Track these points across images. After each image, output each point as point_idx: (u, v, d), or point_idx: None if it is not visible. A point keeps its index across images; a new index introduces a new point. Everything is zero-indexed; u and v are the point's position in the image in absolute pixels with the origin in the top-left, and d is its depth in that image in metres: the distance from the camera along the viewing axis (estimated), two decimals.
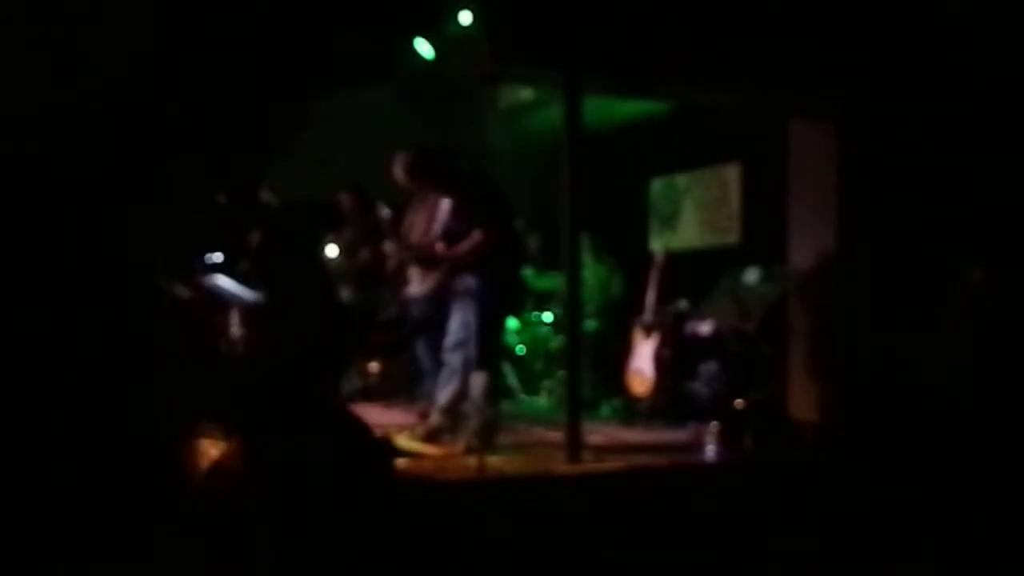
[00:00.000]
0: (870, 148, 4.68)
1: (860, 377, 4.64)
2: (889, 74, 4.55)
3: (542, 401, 5.79)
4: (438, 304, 4.29)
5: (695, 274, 5.44)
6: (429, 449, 3.99)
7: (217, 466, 2.62)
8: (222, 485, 2.30)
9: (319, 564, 1.50)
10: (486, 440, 3.89)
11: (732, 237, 5.86)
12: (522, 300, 5.54)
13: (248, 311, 4.41)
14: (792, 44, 4.42)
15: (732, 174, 5.90)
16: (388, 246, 4.60)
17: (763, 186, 5.42)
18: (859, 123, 4.67)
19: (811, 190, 4.86)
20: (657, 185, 6.52)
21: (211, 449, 3.59)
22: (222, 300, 4.50)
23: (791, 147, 4.97)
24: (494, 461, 3.77)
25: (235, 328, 4.59)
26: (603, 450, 4.18)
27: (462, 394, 4.07)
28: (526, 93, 6.71)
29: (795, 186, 4.96)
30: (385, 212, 4.64)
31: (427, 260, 4.39)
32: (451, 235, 4.20)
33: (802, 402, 4.79)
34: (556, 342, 5.76)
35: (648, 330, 5.15)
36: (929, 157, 4.61)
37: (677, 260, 5.45)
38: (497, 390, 4.27)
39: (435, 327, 4.29)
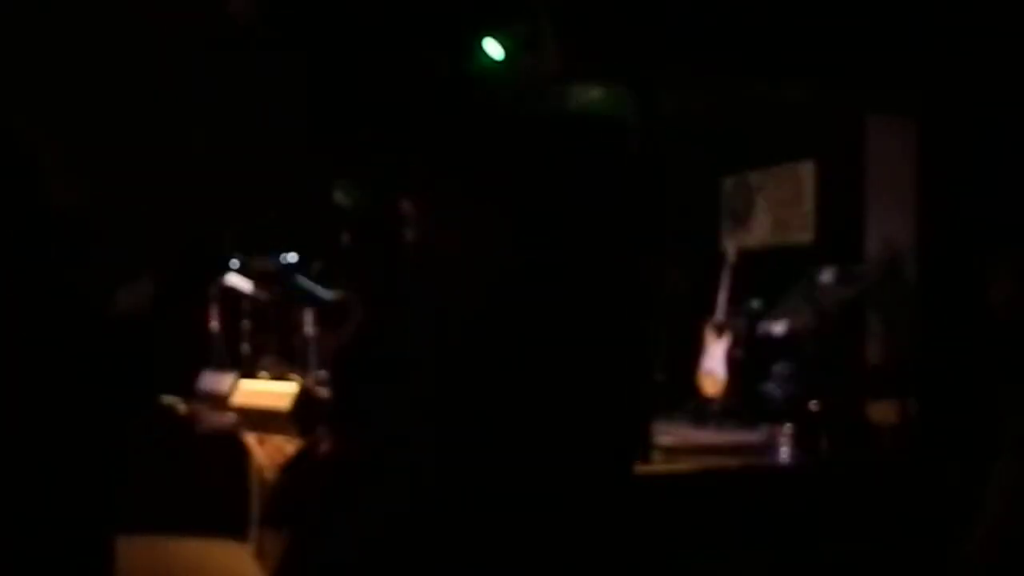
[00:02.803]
0: (953, 144, 4.55)
1: (939, 379, 4.52)
2: (973, 65, 4.42)
3: None
4: None
5: (768, 273, 5.36)
6: None
7: (294, 462, 2.66)
8: (299, 482, 2.33)
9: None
10: None
11: (806, 236, 5.75)
12: None
13: (325, 311, 4.48)
14: (869, 35, 4.32)
15: (806, 171, 5.79)
16: None
17: (839, 184, 5.31)
18: (941, 118, 4.55)
19: (889, 188, 4.74)
20: (729, 183, 6.43)
21: (286, 446, 3.66)
22: (297, 300, 4.58)
23: (869, 143, 4.87)
24: None
25: (309, 328, 4.67)
26: (674, 451, 4.14)
27: None
28: (595, 91, 6.68)
29: (873, 184, 4.85)
30: None
31: None
32: None
33: (880, 405, 4.68)
34: None
35: (720, 330, 5.08)
36: (1016, 153, 4.47)
37: (749, 259, 5.38)
38: None
39: None
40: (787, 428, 4.26)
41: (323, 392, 3.94)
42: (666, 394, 5.29)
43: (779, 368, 4.89)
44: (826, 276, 4.98)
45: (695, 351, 5.20)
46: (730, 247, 5.37)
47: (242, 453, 4.26)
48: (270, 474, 3.57)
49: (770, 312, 5.12)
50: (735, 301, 5.17)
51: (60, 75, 4.62)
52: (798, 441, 4.21)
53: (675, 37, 4.02)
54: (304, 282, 4.49)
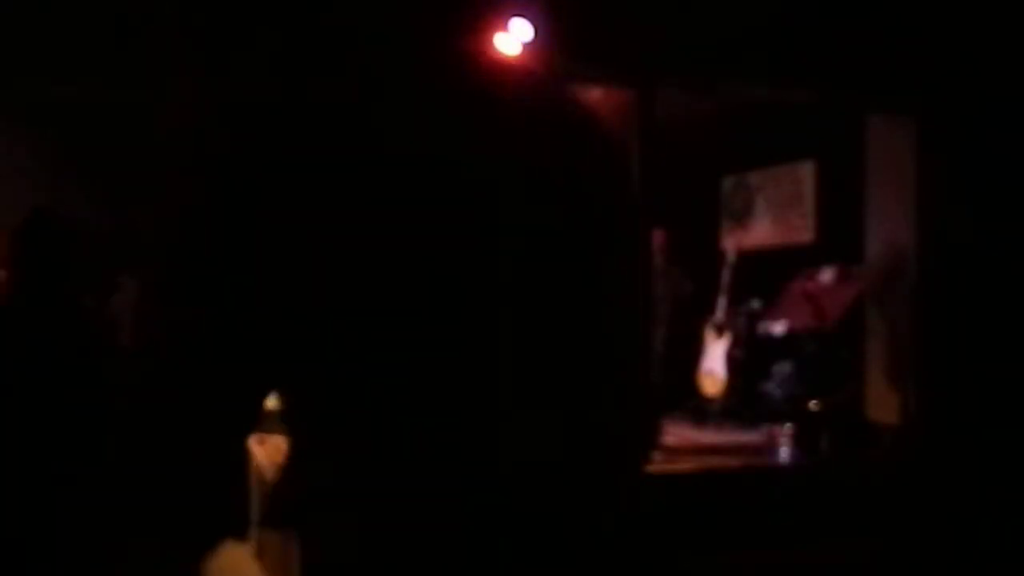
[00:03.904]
0: (953, 144, 4.55)
1: (940, 379, 4.52)
2: (973, 65, 4.42)
3: None
4: None
5: (768, 273, 5.36)
6: None
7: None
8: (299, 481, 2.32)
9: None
10: None
11: (806, 236, 5.75)
12: None
13: None
14: (869, 36, 4.32)
15: (806, 171, 5.79)
16: None
17: (838, 184, 5.30)
18: (942, 118, 4.54)
19: (889, 188, 4.74)
20: (728, 183, 6.43)
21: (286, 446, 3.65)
22: None
23: (868, 143, 4.86)
24: None
25: None
26: (674, 451, 4.13)
27: None
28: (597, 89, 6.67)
29: (873, 184, 4.85)
30: None
31: None
32: None
33: (880, 405, 4.69)
34: None
35: (720, 330, 5.08)
36: (1016, 153, 4.47)
37: (749, 259, 5.38)
38: None
39: None
40: (787, 428, 4.26)
41: None
42: (666, 394, 5.29)
43: (779, 368, 4.88)
44: (825, 275, 4.98)
45: (695, 351, 5.20)
46: (730, 247, 5.37)
47: None
48: (270, 474, 3.56)
49: (770, 312, 5.12)
50: (735, 301, 5.17)
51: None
52: (798, 441, 4.21)
53: (675, 38, 4.02)
54: None
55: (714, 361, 5.04)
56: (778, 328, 4.99)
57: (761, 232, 6.09)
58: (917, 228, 4.62)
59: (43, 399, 1.84)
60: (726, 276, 5.17)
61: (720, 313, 5.10)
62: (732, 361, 4.98)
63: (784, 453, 4.19)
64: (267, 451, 3.87)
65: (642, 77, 3.99)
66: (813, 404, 4.39)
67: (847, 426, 4.37)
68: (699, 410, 5.07)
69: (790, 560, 3.61)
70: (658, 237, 4.71)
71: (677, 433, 4.62)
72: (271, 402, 1.30)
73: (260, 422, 1.17)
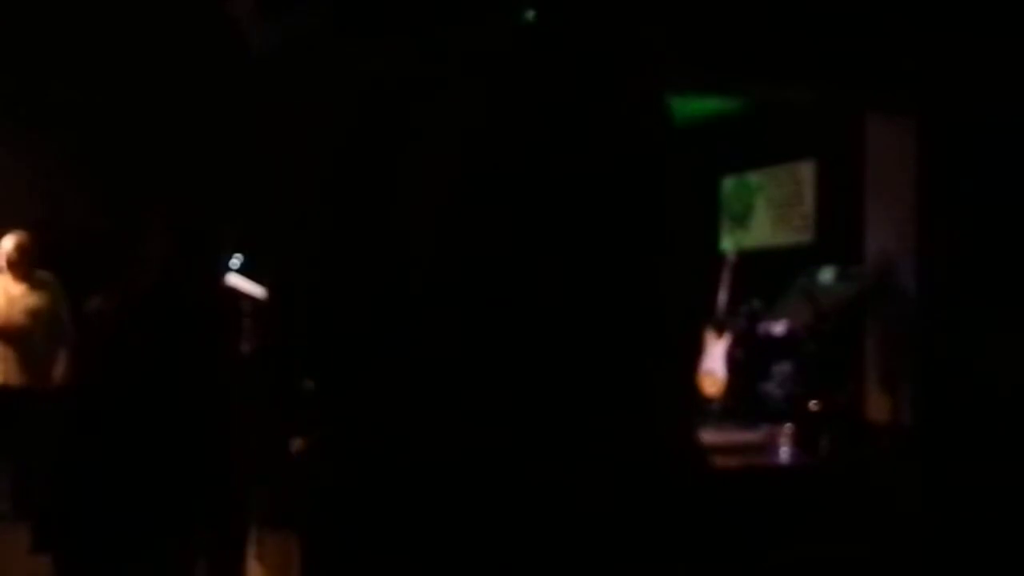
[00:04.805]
0: (952, 144, 4.55)
1: (939, 379, 4.53)
2: (973, 65, 4.42)
3: None
4: None
5: (768, 274, 5.36)
6: None
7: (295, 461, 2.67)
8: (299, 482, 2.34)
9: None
10: None
11: (806, 236, 5.76)
12: None
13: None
14: (869, 36, 4.32)
15: (806, 171, 5.79)
16: None
17: (838, 184, 5.31)
18: (941, 118, 4.55)
19: (889, 188, 4.74)
20: (729, 183, 6.43)
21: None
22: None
23: (868, 143, 4.86)
24: None
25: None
26: None
27: None
28: None
29: (872, 184, 4.85)
30: None
31: None
32: None
33: (880, 405, 4.69)
34: None
35: (720, 330, 5.08)
36: (1015, 154, 4.47)
37: (749, 259, 5.38)
38: None
39: None
40: (787, 428, 4.26)
41: None
42: None
43: (779, 368, 4.89)
44: (825, 275, 4.98)
45: None
46: (730, 247, 5.37)
47: None
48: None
49: (770, 312, 5.12)
50: (735, 301, 5.17)
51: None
52: (798, 441, 4.21)
53: (673, 38, 4.02)
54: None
55: (714, 361, 5.05)
56: (778, 328, 4.99)
57: (761, 232, 6.10)
58: (916, 228, 4.62)
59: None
60: (726, 276, 5.17)
61: (720, 313, 5.11)
62: (732, 361, 4.99)
63: (784, 453, 4.19)
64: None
65: None
66: (813, 404, 4.39)
67: (847, 426, 4.37)
68: (699, 410, 5.07)
69: (790, 560, 3.61)
70: None
71: None
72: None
73: None
